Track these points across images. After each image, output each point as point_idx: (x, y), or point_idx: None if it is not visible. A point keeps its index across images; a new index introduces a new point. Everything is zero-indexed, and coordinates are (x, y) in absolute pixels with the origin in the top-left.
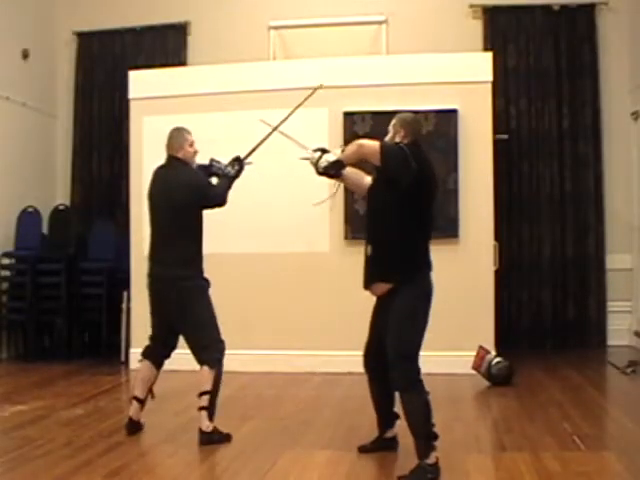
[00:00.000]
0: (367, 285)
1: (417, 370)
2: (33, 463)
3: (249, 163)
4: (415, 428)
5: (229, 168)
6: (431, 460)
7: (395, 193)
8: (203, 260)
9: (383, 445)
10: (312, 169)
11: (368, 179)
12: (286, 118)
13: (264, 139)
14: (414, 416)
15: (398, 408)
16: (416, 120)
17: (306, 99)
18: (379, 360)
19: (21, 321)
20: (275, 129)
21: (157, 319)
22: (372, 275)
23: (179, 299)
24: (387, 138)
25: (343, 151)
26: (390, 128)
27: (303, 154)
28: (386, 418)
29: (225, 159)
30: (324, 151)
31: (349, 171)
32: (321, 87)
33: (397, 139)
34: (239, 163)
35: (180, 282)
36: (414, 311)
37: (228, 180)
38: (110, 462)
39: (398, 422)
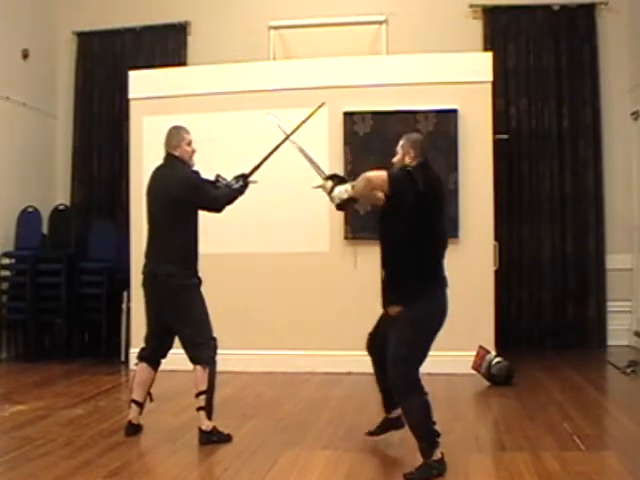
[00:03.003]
0: (385, 306)
1: (416, 371)
2: (33, 463)
3: (254, 182)
4: (417, 430)
5: (233, 182)
6: (436, 457)
7: (407, 218)
8: (198, 259)
9: (389, 425)
10: (314, 179)
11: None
12: (287, 137)
13: (266, 157)
14: (415, 418)
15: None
16: (424, 140)
17: (308, 117)
18: (384, 343)
19: (21, 321)
20: (276, 148)
21: (152, 317)
22: (389, 299)
23: (171, 297)
24: (396, 159)
25: (354, 186)
26: (399, 149)
27: (316, 183)
28: (391, 398)
29: (225, 159)
30: (336, 177)
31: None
32: (323, 105)
33: (407, 160)
34: (244, 179)
35: (172, 280)
36: (424, 322)
37: (231, 191)
38: (110, 462)
39: None
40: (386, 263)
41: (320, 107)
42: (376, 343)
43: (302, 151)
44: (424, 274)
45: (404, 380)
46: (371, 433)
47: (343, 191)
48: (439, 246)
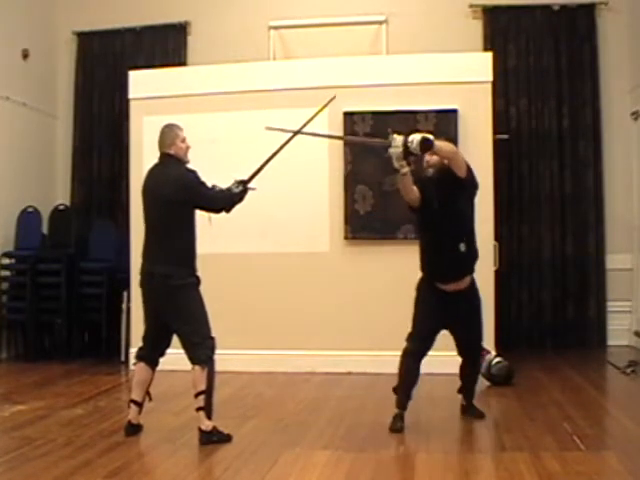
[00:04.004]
0: (457, 278)
1: None
2: (33, 463)
3: (252, 189)
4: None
5: (234, 186)
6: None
7: (470, 200)
8: (195, 258)
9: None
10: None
11: (415, 189)
12: (292, 137)
13: (266, 162)
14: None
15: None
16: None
17: (316, 114)
18: (426, 345)
19: (21, 321)
20: (277, 152)
21: (150, 317)
22: (467, 269)
23: (169, 297)
24: (433, 161)
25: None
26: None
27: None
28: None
29: (225, 159)
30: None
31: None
32: (334, 98)
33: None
34: (243, 185)
35: (169, 280)
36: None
37: (230, 195)
38: (110, 462)
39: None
40: (466, 238)
41: (331, 100)
42: (421, 343)
43: (350, 139)
44: None
45: (481, 340)
46: (395, 429)
47: (426, 133)
48: None
